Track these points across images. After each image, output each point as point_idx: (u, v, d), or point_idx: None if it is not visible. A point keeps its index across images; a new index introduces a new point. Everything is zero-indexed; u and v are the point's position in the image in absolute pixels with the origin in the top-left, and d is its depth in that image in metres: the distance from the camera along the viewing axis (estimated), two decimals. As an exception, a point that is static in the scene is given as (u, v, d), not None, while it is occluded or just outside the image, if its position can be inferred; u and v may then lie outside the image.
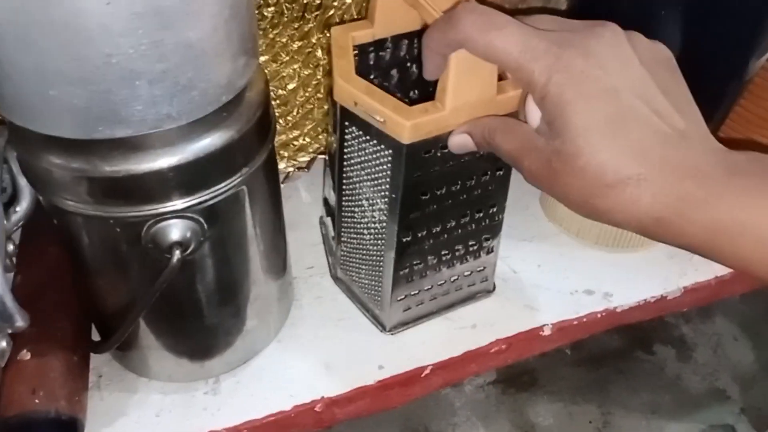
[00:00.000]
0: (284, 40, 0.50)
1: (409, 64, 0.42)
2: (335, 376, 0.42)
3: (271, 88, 0.52)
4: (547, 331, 0.46)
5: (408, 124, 0.33)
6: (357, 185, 0.39)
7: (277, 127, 0.54)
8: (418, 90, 0.43)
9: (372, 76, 0.41)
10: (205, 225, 0.33)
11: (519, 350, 0.46)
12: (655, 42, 0.31)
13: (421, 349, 0.44)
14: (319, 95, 0.53)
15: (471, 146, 0.35)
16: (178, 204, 0.32)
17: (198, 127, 0.31)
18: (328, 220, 0.46)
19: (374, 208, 0.39)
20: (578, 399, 0.90)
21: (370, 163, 0.37)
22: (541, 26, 0.31)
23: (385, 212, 0.38)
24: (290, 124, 0.53)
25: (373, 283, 0.43)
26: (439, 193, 0.37)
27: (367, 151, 0.37)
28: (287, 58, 0.51)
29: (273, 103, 0.53)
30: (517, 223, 0.53)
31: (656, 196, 0.27)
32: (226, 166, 0.33)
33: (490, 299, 0.47)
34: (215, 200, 0.33)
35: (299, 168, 0.55)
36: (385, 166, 0.36)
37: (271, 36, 0.49)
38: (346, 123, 0.37)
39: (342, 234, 0.43)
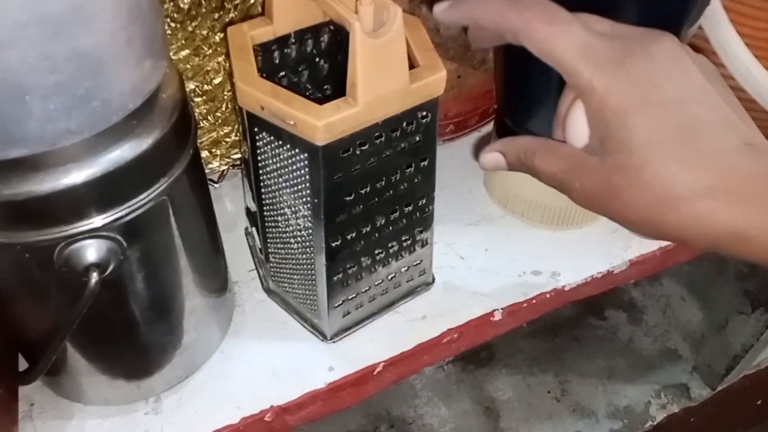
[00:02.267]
0: (205, 32, 0.47)
1: (318, 60, 0.39)
2: (284, 383, 0.41)
3: (195, 84, 0.50)
4: (497, 316, 0.45)
5: (320, 125, 0.31)
6: (276, 193, 0.37)
7: (206, 124, 0.51)
8: (332, 86, 0.41)
9: (279, 77, 0.38)
10: (124, 242, 0.31)
11: (471, 338, 0.45)
12: (700, 55, 0.30)
13: (371, 346, 0.43)
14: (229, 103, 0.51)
15: (503, 166, 0.33)
16: (91, 223, 0.29)
17: (104, 139, 0.28)
18: (254, 231, 0.44)
19: (298, 215, 0.37)
20: (535, 370, 0.91)
21: (286, 169, 0.35)
22: (595, 27, 0.29)
23: (310, 219, 0.36)
24: (220, 120, 0.51)
25: (308, 292, 0.41)
26: (363, 192, 0.36)
27: (281, 156, 0.35)
28: (210, 51, 0.48)
29: (199, 99, 0.50)
30: (462, 207, 0.52)
31: (732, 208, 0.26)
32: (141, 178, 0.30)
33: (439, 288, 0.46)
34: (133, 215, 0.30)
35: (234, 165, 0.53)
36: (302, 171, 0.34)
37: (189, 29, 0.47)
38: (256, 129, 0.35)
39: (269, 245, 0.41)
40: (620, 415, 0.89)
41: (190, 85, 0.49)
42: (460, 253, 0.49)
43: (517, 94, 0.46)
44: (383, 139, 0.34)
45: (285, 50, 0.38)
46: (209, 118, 0.51)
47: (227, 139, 0.51)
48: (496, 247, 0.49)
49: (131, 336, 0.35)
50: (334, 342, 0.43)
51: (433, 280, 0.46)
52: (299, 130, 0.32)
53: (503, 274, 0.48)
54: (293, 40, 0.38)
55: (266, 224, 0.40)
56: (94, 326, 0.34)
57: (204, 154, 0.51)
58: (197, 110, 0.50)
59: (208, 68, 0.49)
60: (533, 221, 0.50)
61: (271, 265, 0.43)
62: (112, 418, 0.38)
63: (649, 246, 0.50)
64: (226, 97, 0.51)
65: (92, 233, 0.29)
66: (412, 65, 0.34)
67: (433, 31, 0.47)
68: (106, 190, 0.29)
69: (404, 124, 0.35)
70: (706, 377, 0.90)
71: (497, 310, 0.45)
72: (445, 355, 0.45)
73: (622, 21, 0.31)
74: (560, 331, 0.97)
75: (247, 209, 0.46)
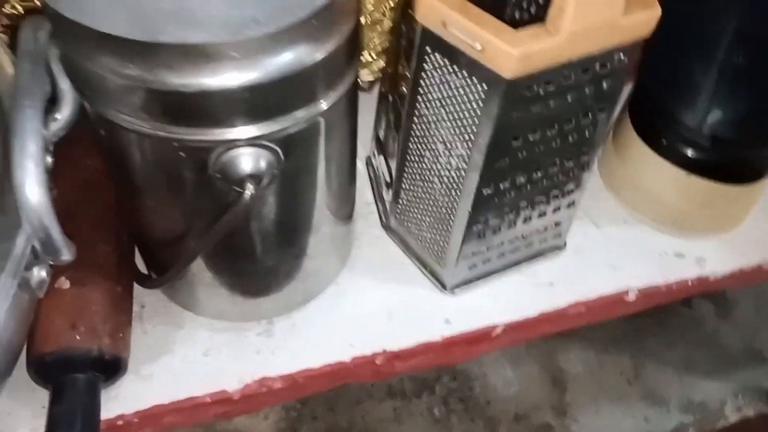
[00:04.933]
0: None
1: None
2: (398, 328, 0.38)
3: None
4: (631, 297, 0.42)
5: (515, 54, 0.27)
6: (432, 125, 0.33)
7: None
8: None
9: None
10: (282, 156, 0.28)
11: (599, 314, 0.42)
12: None
13: (492, 305, 0.40)
14: (391, 2, 0.46)
15: None
16: (253, 131, 0.26)
17: (283, 38, 0.25)
18: (381, 162, 0.41)
19: (452, 153, 0.33)
20: (611, 349, 0.86)
21: (454, 100, 0.31)
22: None
23: (466, 159, 0.32)
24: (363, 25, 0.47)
25: (438, 237, 0.38)
26: (532, 138, 0.32)
27: (452, 84, 0.31)
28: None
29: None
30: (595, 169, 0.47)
31: None
32: (310, 89, 0.27)
33: (569, 255, 0.42)
34: (295, 129, 0.27)
35: (372, 82, 0.49)
36: (474, 104, 0.30)
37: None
38: (428, 48, 0.31)
39: (403, 181, 0.38)
40: (693, 409, 0.85)
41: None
42: (595, 220, 0.45)
43: (671, 61, 0.40)
44: (572, 80, 0.30)
45: None
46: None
47: (369, 48, 0.47)
48: (637, 218, 0.45)
49: (260, 255, 0.33)
50: (453, 293, 0.40)
51: (565, 244, 0.43)
52: (486, 57, 0.28)
53: (642, 250, 0.43)
54: None
55: (407, 158, 0.37)
56: (227, 240, 0.31)
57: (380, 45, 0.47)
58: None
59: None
60: (644, 217, 0.45)
61: (400, 202, 0.40)
62: (223, 333, 0.37)
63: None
64: (366, 8, 0.46)
65: (254, 141, 0.27)
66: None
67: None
68: (276, 96, 0.26)
69: (598, 66, 0.30)
70: (793, 386, 0.85)
71: (632, 289, 0.42)
72: (566, 327, 0.42)
73: None
74: (643, 312, 0.92)
75: (377, 138, 0.43)
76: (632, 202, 0.45)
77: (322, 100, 0.28)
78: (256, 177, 0.27)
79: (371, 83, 0.49)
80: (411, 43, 0.32)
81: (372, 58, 0.48)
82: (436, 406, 0.86)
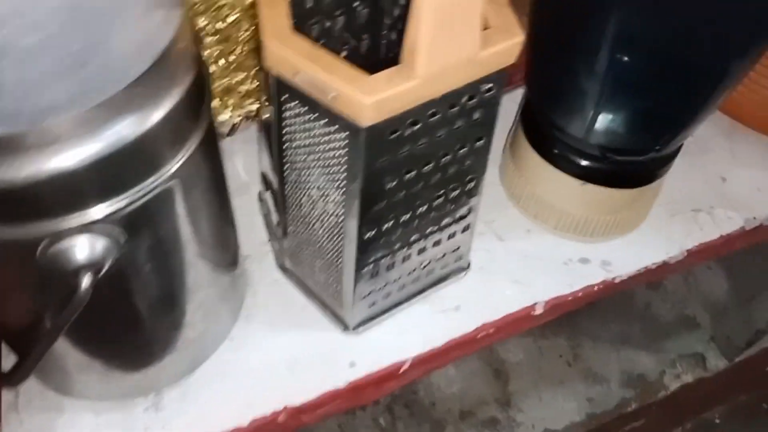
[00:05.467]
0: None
1: (356, 4, 0.33)
2: (301, 380, 0.36)
3: (206, 20, 0.43)
4: (538, 310, 0.41)
5: (368, 102, 0.25)
6: (303, 172, 0.31)
7: (217, 69, 0.45)
8: (370, 36, 0.34)
9: (310, 24, 0.32)
10: (123, 236, 0.25)
11: (508, 332, 0.41)
12: None
13: (398, 339, 0.38)
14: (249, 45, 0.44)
15: None
16: (83, 216, 0.24)
17: (99, 114, 0.22)
18: (269, 198, 0.39)
19: (327, 199, 0.31)
20: (548, 333, 0.87)
21: (319, 147, 0.29)
22: None
23: (342, 205, 0.31)
24: (233, 65, 0.44)
25: (331, 280, 0.36)
26: (408, 177, 0.30)
27: (314, 132, 0.29)
28: (225, -18, 0.41)
29: (210, 39, 0.43)
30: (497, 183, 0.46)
31: None
32: (144, 161, 0.25)
33: (474, 274, 0.41)
34: (135, 205, 0.25)
35: (248, 117, 0.46)
36: (339, 152, 0.28)
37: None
38: (285, 97, 0.29)
39: (288, 223, 0.36)
40: (633, 383, 0.86)
41: (200, 22, 0.42)
42: (498, 233, 0.44)
43: (552, 77, 0.39)
44: (439, 117, 0.28)
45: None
46: (221, 62, 0.44)
47: (242, 88, 0.45)
48: (540, 227, 0.44)
49: (130, 332, 0.31)
50: (356, 332, 0.38)
51: (469, 265, 0.41)
52: (341, 105, 0.26)
53: (547, 261, 0.42)
54: None
55: (287, 202, 0.35)
56: (87, 323, 0.28)
57: (214, 103, 0.45)
58: (207, 51, 0.43)
59: (222, 3, 0.42)
60: (547, 226, 0.44)
61: (290, 244, 0.37)
62: (108, 413, 0.34)
63: (710, 233, 0.45)
64: (241, 38, 0.44)
65: (84, 228, 0.24)
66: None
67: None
68: (100, 177, 0.23)
69: (466, 98, 0.29)
70: (724, 348, 0.87)
71: (539, 303, 0.41)
72: (476, 348, 0.41)
73: None
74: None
75: (264, 175, 0.41)
76: (534, 212, 0.44)
77: (163, 170, 0.25)
78: (92, 265, 0.24)
79: (259, 109, 0.46)
80: (270, 88, 0.30)
81: (254, 85, 0.45)
82: (381, 415, 0.85)
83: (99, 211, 0.24)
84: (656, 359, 0.88)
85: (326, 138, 0.28)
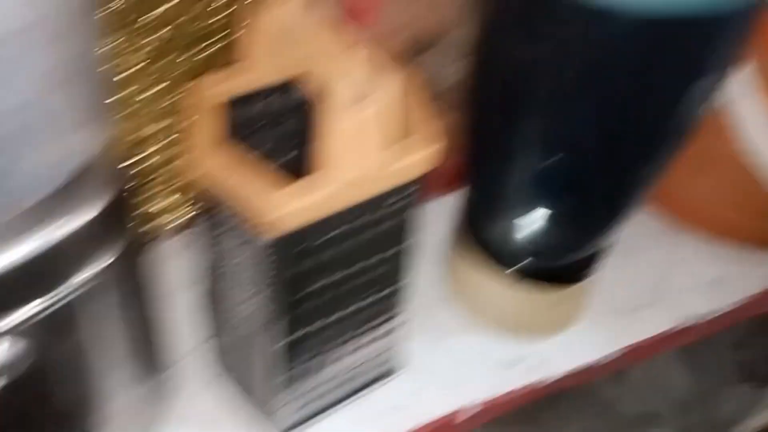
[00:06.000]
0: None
1: (283, 118, 0.34)
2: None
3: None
4: (460, 418, 0.40)
5: (272, 216, 0.26)
6: (225, 276, 0.32)
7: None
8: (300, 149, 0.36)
9: (242, 137, 0.33)
10: (23, 349, 0.25)
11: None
12: None
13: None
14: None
15: None
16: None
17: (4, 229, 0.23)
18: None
19: (247, 303, 0.32)
20: (506, 430, 0.85)
21: (234, 253, 0.30)
22: None
23: (261, 310, 0.31)
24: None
25: (256, 383, 0.36)
26: (330, 281, 0.31)
27: (224, 245, 0.30)
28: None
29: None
30: (439, 279, 0.47)
31: None
32: (52, 274, 0.25)
33: (411, 376, 0.41)
34: (33, 321, 0.25)
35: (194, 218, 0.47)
36: (248, 262, 0.29)
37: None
38: (201, 204, 0.30)
39: (219, 328, 0.36)
40: (597, 482, 0.84)
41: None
42: (435, 333, 0.44)
43: (479, 179, 0.40)
44: (354, 224, 0.29)
45: (253, 105, 0.33)
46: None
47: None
48: (478, 328, 0.44)
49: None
50: (286, 438, 0.38)
51: (402, 366, 0.41)
52: (245, 219, 0.27)
53: (482, 362, 0.43)
54: (260, 94, 0.33)
55: (215, 305, 0.35)
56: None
57: (163, 203, 0.46)
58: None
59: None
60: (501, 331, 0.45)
61: (221, 345, 0.37)
62: None
63: (646, 330, 0.46)
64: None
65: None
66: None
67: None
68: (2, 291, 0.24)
69: (381, 206, 0.30)
70: (690, 446, 0.85)
71: (460, 411, 0.40)
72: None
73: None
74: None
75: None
76: (470, 311, 0.44)
77: (68, 285, 0.26)
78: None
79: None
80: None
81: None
82: None
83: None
84: (621, 456, 0.86)
85: (237, 249, 0.29)
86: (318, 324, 0.32)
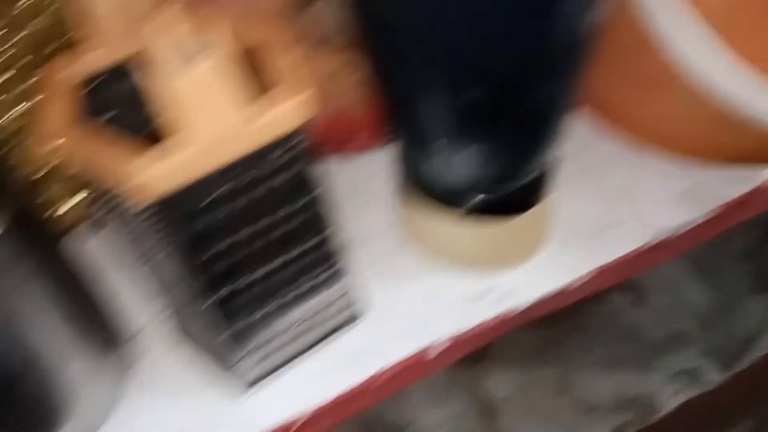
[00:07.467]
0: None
1: (133, 95, 0.34)
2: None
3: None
4: (432, 355, 0.40)
5: (136, 184, 0.26)
6: (139, 247, 0.32)
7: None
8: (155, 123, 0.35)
9: (97, 117, 0.33)
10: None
11: (406, 378, 0.40)
12: None
13: (287, 399, 0.38)
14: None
15: None
16: None
17: None
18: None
19: (167, 270, 0.32)
20: (534, 364, 0.84)
21: (130, 225, 0.30)
22: None
23: (179, 274, 0.31)
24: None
25: (209, 342, 0.36)
26: (237, 239, 0.31)
27: (121, 215, 0.30)
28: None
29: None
30: (389, 227, 0.46)
31: None
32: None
33: (366, 323, 0.41)
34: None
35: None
36: (145, 229, 0.29)
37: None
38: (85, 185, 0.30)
39: (161, 294, 0.37)
40: (628, 406, 0.83)
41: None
42: (397, 276, 0.44)
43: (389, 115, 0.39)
44: (239, 181, 0.29)
45: (104, 88, 0.32)
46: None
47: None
48: (438, 268, 0.44)
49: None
50: (247, 394, 0.38)
51: (363, 312, 0.41)
52: (120, 188, 0.27)
53: (446, 300, 0.42)
54: (124, 71, 0.32)
55: (152, 276, 0.36)
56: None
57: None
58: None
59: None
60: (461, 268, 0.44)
61: (169, 312, 0.38)
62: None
63: (620, 249, 0.44)
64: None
65: None
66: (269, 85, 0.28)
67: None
68: None
69: (265, 161, 0.29)
70: (719, 361, 0.83)
71: (430, 348, 0.40)
72: (379, 399, 0.41)
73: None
74: (560, 319, 0.91)
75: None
76: (427, 252, 0.44)
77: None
78: None
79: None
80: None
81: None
82: (366, 464, 0.83)
83: None
84: (650, 380, 0.84)
85: (130, 220, 0.29)
86: (243, 281, 0.33)
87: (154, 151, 0.26)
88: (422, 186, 0.41)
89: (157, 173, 0.25)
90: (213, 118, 0.26)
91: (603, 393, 0.85)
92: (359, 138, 0.48)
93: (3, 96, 0.40)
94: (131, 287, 0.41)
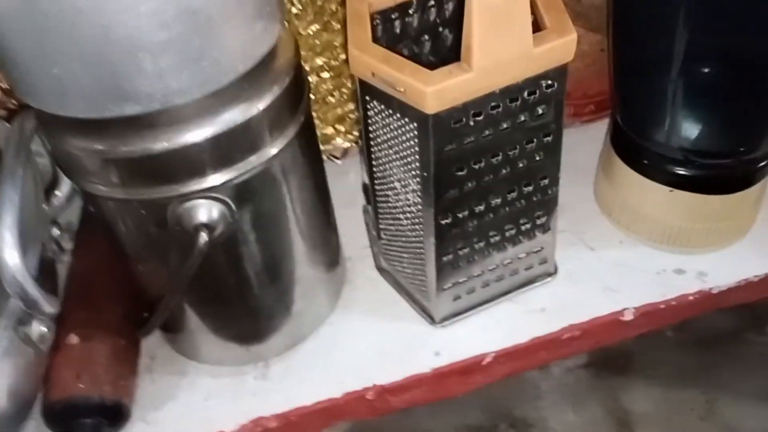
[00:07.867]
0: (333, 7, 0.47)
1: (441, 29, 0.37)
2: (388, 363, 0.40)
3: (323, 60, 0.50)
4: (628, 316, 0.41)
5: (429, 91, 0.29)
6: (387, 165, 0.36)
7: (333, 100, 0.51)
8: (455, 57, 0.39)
9: (399, 47, 0.37)
10: (234, 205, 0.31)
11: (596, 337, 0.41)
12: None
13: (482, 335, 0.40)
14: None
15: None
16: (202, 183, 0.30)
17: (215, 101, 0.29)
18: (369, 208, 0.44)
19: (407, 189, 0.35)
20: (679, 384, 0.82)
21: (397, 140, 0.34)
22: None
23: (419, 193, 0.35)
24: (345, 97, 0.51)
25: (417, 272, 0.39)
26: (477, 167, 0.33)
27: (392, 126, 0.33)
28: (338, 26, 0.48)
29: (326, 75, 0.50)
30: (588, 198, 0.47)
31: None
32: (250, 142, 0.30)
33: (562, 280, 0.43)
34: (242, 178, 0.31)
35: (357, 142, 0.52)
36: (412, 142, 0.32)
37: (319, 3, 0.47)
38: (367, 97, 0.34)
39: (380, 221, 0.40)
40: (778, 444, 0.78)
41: (319, 61, 0.49)
42: (590, 243, 0.45)
43: (632, 88, 0.41)
44: (500, 109, 0.32)
45: (406, 19, 0.37)
46: (335, 94, 0.51)
47: (351, 116, 0.51)
48: (633, 240, 0.45)
49: (241, 298, 0.36)
50: (442, 326, 0.41)
51: (556, 270, 0.43)
52: (409, 97, 0.31)
53: (639, 270, 0.43)
54: (415, 8, 0.36)
55: (377, 199, 0.39)
56: (206, 287, 0.35)
57: (329, 130, 0.52)
58: (324, 86, 0.50)
59: (336, 44, 0.49)
60: (641, 237, 0.44)
61: (383, 242, 0.42)
62: (223, 378, 0.40)
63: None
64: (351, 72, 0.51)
65: (203, 193, 0.30)
66: (538, 28, 0.31)
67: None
68: (216, 152, 0.29)
69: (526, 93, 0.32)
70: None
71: (628, 309, 0.41)
72: (564, 354, 0.42)
73: None
74: (712, 344, 0.87)
75: (364, 185, 0.46)
76: (626, 224, 0.45)
77: (264, 151, 0.31)
78: (209, 226, 0.30)
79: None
80: (357, 94, 0.35)
81: (347, 128, 0.51)
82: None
83: (214, 179, 0.30)
84: (807, 419, 0.79)
85: (401, 130, 0.33)
86: (471, 209, 0.35)
87: (448, 68, 0.29)
88: (631, 158, 0.42)
89: (449, 86, 0.29)
90: (504, 41, 0.29)
91: (752, 425, 0.81)
92: (584, 112, 0.50)
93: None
94: (350, 218, 0.45)
